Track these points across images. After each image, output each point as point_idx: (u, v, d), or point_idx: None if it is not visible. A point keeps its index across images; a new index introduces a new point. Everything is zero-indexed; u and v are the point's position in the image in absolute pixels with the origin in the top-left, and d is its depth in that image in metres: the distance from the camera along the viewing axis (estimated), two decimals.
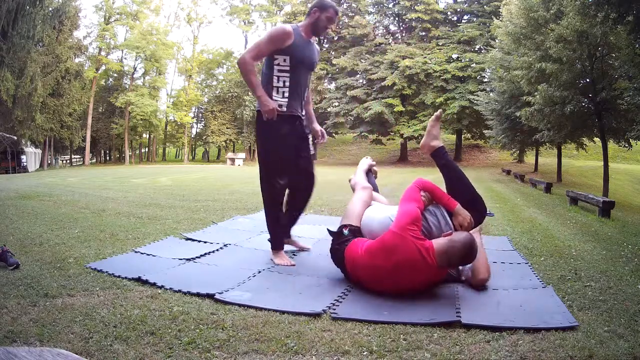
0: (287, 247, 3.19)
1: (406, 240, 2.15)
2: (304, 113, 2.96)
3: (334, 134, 31.73)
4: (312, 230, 3.99)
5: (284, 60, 2.77)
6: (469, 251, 2.15)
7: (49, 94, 25.11)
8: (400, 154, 31.32)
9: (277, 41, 2.74)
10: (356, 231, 2.52)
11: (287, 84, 2.80)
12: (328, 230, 2.67)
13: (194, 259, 2.87)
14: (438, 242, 2.18)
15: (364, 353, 1.60)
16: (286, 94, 2.80)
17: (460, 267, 2.46)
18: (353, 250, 2.36)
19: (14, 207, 5.07)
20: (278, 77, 2.79)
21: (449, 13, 32.21)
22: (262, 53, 2.77)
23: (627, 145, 12.55)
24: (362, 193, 2.77)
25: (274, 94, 2.79)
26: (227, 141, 37.23)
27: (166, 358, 1.53)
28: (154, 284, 2.29)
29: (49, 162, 29.48)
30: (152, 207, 5.26)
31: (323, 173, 15.69)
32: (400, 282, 2.20)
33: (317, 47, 3.02)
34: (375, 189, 3.09)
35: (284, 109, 2.80)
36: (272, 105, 2.71)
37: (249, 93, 33.62)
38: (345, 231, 2.50)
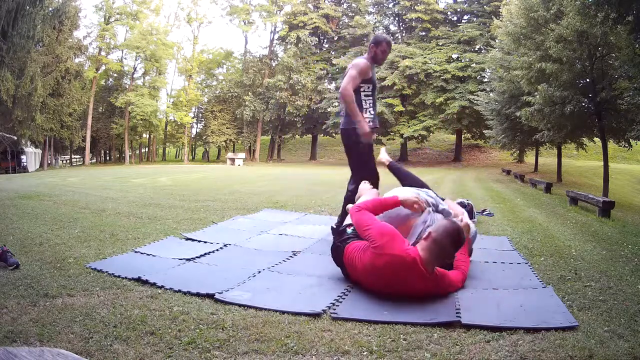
0: (287, 248, 3.23)
1: (394, 257, 2.12)
2: (371, 123, 3.47)
3: (334, 134, 31.73)
4: (312, 230, 3.99)
5: (368, 88, 3.44)
6: (457, 236, 2.18)
7: (49, 94, 25.08)
8: (400, 153, 31.33)
9: (365, 73, 3.41)
10: None
11: (370, 103, 3.47)
12: (332, 228, 2.67)
13: (194, 259, 2.87)
14: (422, 247, 2.17)
15: (364, 353, 1.60)
16: (372, 112, 3.47)
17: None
18: (352, 251, 2.36)
19: (14, 207, 5.07)
20: (365, 100, 3.44)
21: (449, 13, 32.22)
22: (357, 84, 3.40)
23: (627, 145, 12.54)
24: (368, 194, 2.81)
25: (365, 114, 3.40)
26: (227, 141, 37.22)
27: (166, 358, 1.53)
28: (154, 284, 2.29)
29: (49, 162, 29.47)
30: (152, 207, 5.26)
31: (323, 173, 15.69)
32: (398, 290, 2.19)
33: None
34: None
35: (371, 123, 3.43)
36: (368, 129, 3.32)
37: (249, 93, 33.69)
38: (349, 230, 2.50)
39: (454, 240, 2.17)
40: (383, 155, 3.62)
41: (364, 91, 3.45)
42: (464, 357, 1.58)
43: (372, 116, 3.47)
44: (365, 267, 2.22)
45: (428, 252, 2.14)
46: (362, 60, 3.47)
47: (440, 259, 2.19)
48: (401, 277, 2.13)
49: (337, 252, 2.49)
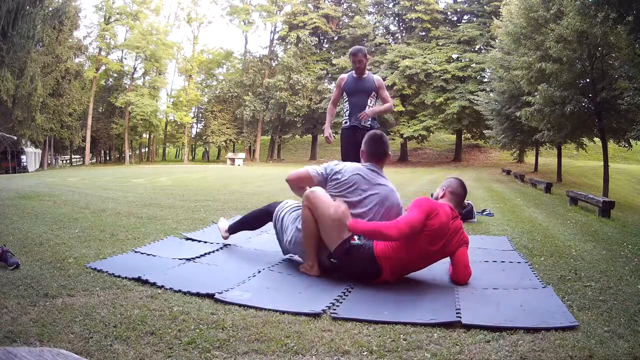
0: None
1: (441, 207, 2.50)
2: (367, 124, 4.05)
3: (334, 134, 31.79)
4: None
5: (343, 95, 4.20)
6: (462, 183, 2.71)
7: (49, 94, 25.10)
8: (400, 154, 31.33)
9: (338, 85, 4.23)
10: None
11: (347, 107, 4.16)
12: (331, 259, 2.59)
13: (194, 259, 2.86)
14: (446, 199, 2.63)
15: (364, 353, 1.60)
16: (347, 114, 4.18)
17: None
18: (390, 245, 2.40)
19: (14, 207, 5.06)
20: (346, 106, 4.19)
21: (449, 13, 32.23)
22: (335, 96, 4.31)
23: (627, 145, 12.55)
24: (324, 200, 2.52)
25: (344, 116, 4.20)
26: (227, 141, 37.24)
27: (166, 358, 1.53)
28: (154, 284, 2.28)
29: (49, 162, 29.49)
30: (152, 207, 5.26)
31: None
32: (440, 250, 2.45)
33: (373, 77, 4.16)
34: None
35: (347, 123, 4.15)
36: (326, 134, 4.36)
37: (249, 93, 33.77)
38: (355, 241, 2.46)
39: (463, 186, 2.69)
40: (221, 223, 3.33)
41: (344, 99, 4.15)
42: (464, 357, 1.57)
43: (346, 118, 4.15)
44: (418, 243, 2.40)
45: (449, 202, 2.59)
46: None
47: (458, 204, 2.63)
48: (444, 226, 2.42)
49: (361, 263, 2.42)
